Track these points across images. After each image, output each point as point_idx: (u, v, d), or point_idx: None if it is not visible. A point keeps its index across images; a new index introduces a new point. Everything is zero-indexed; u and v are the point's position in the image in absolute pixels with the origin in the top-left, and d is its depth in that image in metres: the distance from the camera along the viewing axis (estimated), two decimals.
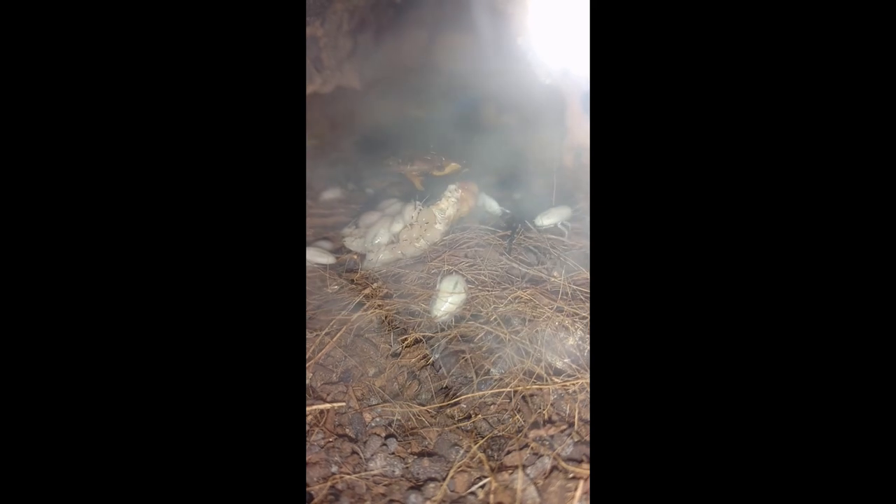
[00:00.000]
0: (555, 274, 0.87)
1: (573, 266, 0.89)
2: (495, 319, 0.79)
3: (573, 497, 0.53)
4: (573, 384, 0.66)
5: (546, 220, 1.05)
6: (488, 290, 0.85)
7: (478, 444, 0.63)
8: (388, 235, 1.01)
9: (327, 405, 0.70)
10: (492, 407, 0.69)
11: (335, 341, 0.79)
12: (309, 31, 1.23)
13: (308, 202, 1.35)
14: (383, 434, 0.68)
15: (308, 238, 1.17)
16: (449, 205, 0.99)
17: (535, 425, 0.63)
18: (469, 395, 0.70)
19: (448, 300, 0.82)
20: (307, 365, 0.75)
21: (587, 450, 0.59)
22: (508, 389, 0.68)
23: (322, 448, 0.65)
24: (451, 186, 1.01)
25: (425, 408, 0.70)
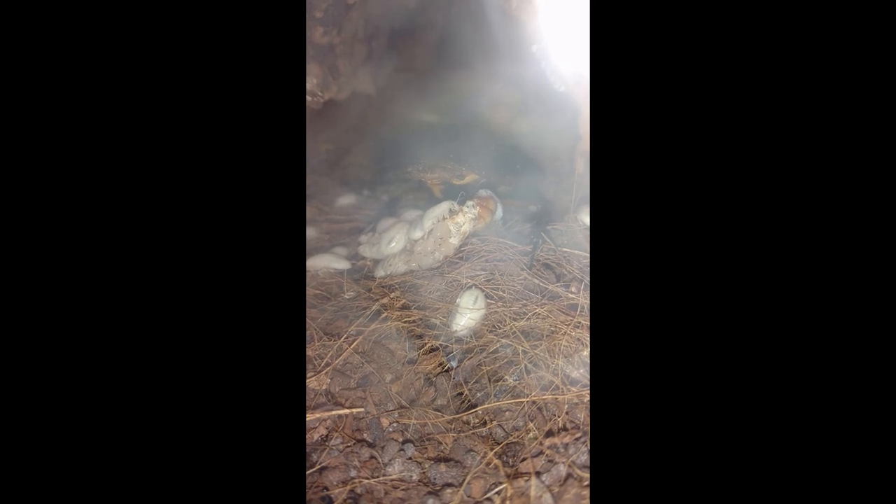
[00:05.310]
0: (572, 290, 0.87)
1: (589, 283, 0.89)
2: (514, 333, 0.80)
3: None
4: (588, 393, 0.67)
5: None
6: (507, 307, 0.86)
7: (494, 451, 0.65)
8: (405, 241, 1.02)
9: (346, 410, 0.72)
10: (507, 413, 0.70)
11: (353, 348, 0.81)
12: (326, 39, 1.25)
13: (324, 208, 1.37)
14: (400, 439, 0.69)
15: (323, 244, 1.19)
16: (465, 220, 0.99)
17: (550, 433, 0.65)
18: (487, 406, 0.71)
19: (468, 315, 0.83)
20: (325, 371, 0.77)
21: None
22: (526, 400, 0.69)
23: (341, 452, 0.67)
24: (470, 202, 1.01)
25: (445, 417, 0.72)
